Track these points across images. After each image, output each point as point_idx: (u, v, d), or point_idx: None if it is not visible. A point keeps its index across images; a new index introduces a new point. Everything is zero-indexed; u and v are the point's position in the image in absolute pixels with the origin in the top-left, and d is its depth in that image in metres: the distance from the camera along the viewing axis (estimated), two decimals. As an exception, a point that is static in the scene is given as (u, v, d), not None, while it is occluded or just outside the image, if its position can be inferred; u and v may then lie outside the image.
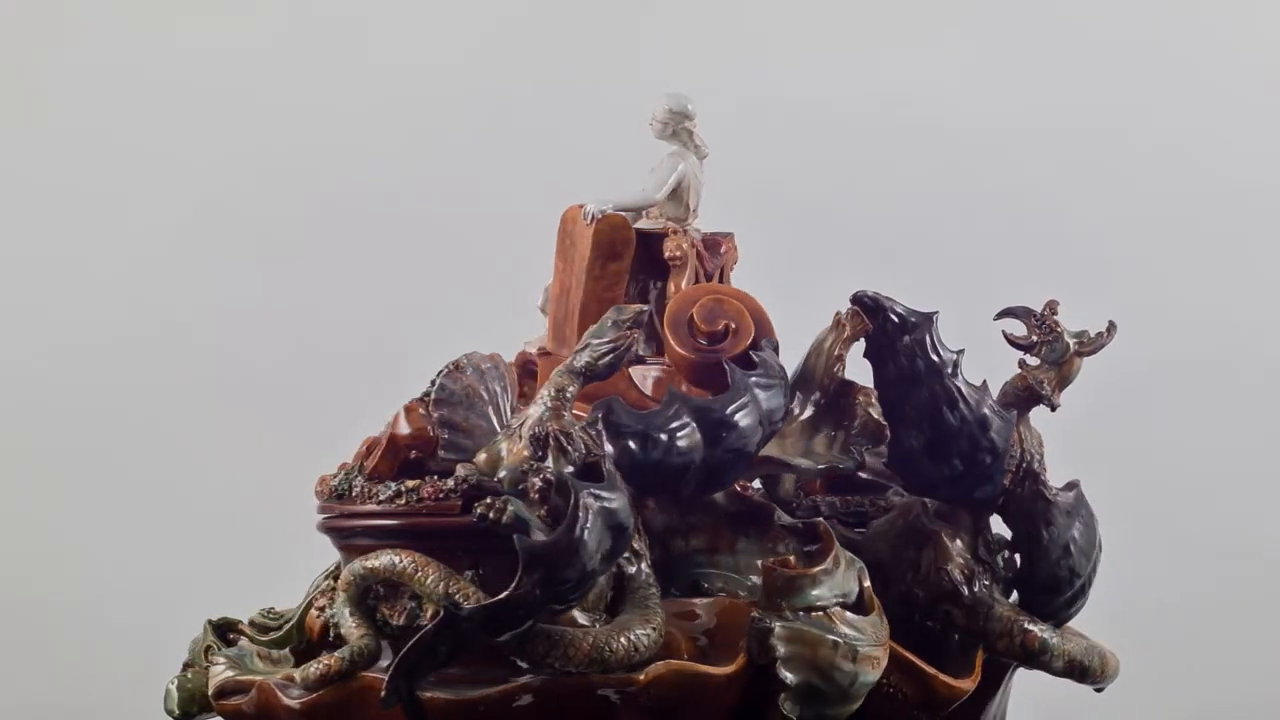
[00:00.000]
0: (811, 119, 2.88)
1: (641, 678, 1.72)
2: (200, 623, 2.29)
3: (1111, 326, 1.95)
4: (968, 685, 1.83)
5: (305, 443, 2.79)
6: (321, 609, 1.83)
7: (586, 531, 1.67)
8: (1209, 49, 2.91)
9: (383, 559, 1.73)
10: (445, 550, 1.75)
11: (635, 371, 1.94)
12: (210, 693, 1.78)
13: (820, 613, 1.77)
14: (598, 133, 2.73)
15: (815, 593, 1.77)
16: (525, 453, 1.73)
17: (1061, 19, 2.93)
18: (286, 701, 1.70)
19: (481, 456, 1.77)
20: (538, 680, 1.70)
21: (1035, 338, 1.92)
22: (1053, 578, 1.90)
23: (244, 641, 1.86)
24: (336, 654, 1.71)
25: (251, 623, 1.90)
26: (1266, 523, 2.81)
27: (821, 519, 1.86)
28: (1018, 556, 1.94)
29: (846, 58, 2.90)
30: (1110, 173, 2.89)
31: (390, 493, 1.77)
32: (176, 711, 1.82)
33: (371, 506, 1.78)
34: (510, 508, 1.72)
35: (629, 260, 1.95)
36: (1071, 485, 1.93)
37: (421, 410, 1.82)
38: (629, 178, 1.99)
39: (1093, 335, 1.94)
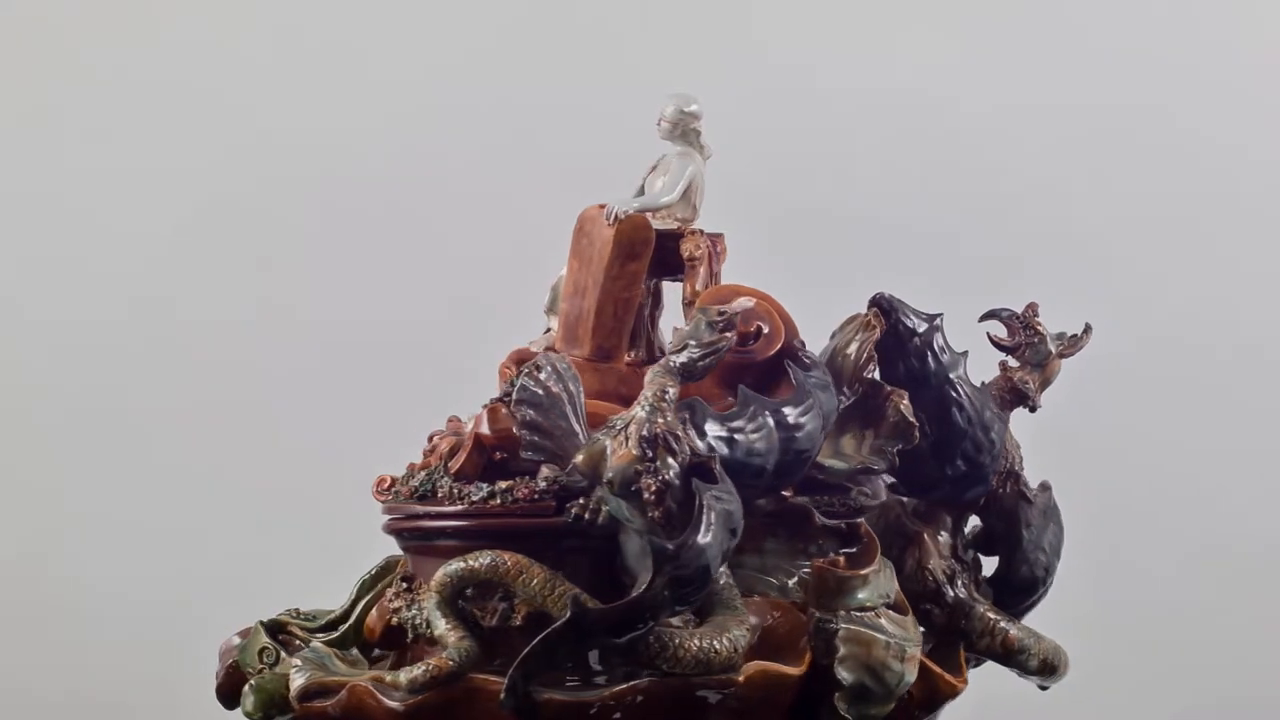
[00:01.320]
0: (811, 119, 2.89)
1: (740, 679, 1.73)
2: (195, 623, 2.30)
3: (1088, 328, 1.98)
4: (963, 684, 1.85)
5: (305, 442, 2.87)
6: (396, 610, 1.79)
7: (711, 532, 1.67)
8: (1210, 49, 2.93)
9: (483, 559, 1.71)
10: (534, 552, 1.73)
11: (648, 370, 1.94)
12: (293, 695, 1.73)
13: (870, 613, 1.80)
14: (596, 133, 2.74)
15: (863, 594, 1.81)
16: (634, 454, 1.71)
17: (1064, 18, 2.95)
18: (388, 704, 1.67)
19: (580, 457, 1.75)
20: (645, 681, 1.70)
21: (1019, 340, 1.95)
22: (1030, 578, 1.95)
23: (316, 643, 1.82)
24: (443, 655, 1.68)
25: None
26: (1256, 522, 2.84)
27: (862, 520, 1.88)
28: (980, 555, 1.97)
29: (845, 58, 2.90)
30: (1110, 172, 2.91)
31: (484, 494, 1.76)
32: (257, 715, 1.78)
33: (460, 506, 1.76)
34: (604, 508, 1.72)
35: (647, 260, 1.96)
36: (1045, 487, 1.97)
37: (504, 410, 1.79)
38: (627, 178, 1.99)
39: (1071, 337, 1.97)
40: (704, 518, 1.67)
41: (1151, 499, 2.79)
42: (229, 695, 1.85)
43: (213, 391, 2.90)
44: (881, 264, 2.64)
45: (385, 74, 2.94)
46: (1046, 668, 1.94)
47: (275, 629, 1.86)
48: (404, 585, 1.81)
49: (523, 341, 2.02)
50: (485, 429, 1.80)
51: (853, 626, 1.77)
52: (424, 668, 1.67)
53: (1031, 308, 1.96)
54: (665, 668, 1.70)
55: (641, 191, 1.99)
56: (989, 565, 1.96)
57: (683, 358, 1.78)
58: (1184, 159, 2.88)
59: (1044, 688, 1.97)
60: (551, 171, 2.81)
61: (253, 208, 2.92)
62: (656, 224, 1.97)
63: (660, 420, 1.73)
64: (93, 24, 2.94)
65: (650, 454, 1.71)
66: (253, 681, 1.79)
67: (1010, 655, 1.92)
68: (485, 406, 1.83)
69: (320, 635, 1.86)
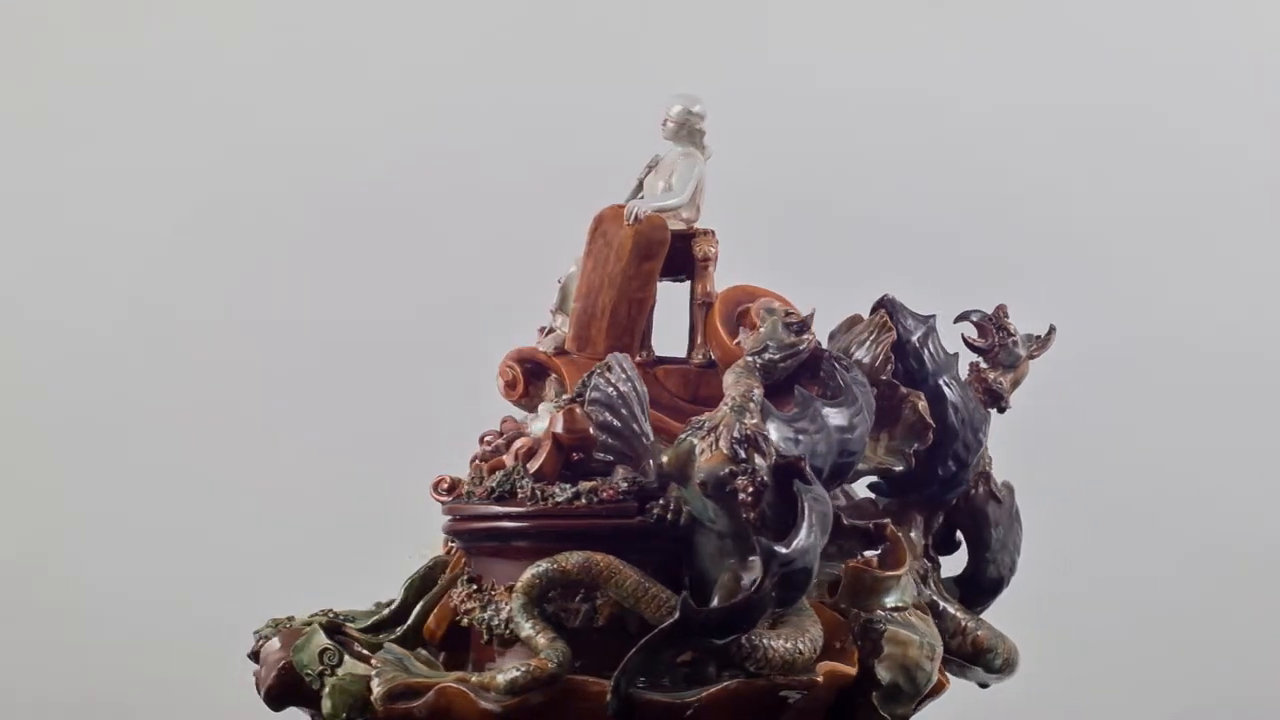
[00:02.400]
0: (810, 119, 2.88)
1: (820, 679, 1.74)
2: (195, 622, 2.27)
3: (1052, 330, 2.00)
4: (947, 682, 1.87)
5: (305, 442, 2.85)
6: (468, 611, 1.78)
7: (814, 533, 1.69)
8: (1210, 49, 2.92)
9: (575, 560, 1.70)
10: (611, 553, 1.72)
11: (661, 371, 1.96)
12: (377, 697, 1.70)
13: (902, 613, 1.83)
14: (596, 133, 2.74)
15: (895, 595, 1.83)
16: (725, 454, 1.72)
17: (1064, 18, 2.94)
18: (484, 705, 1.66)
19: (667, 456, 1.75)
20: (735, 682, 1.70)
21: (992, 341, 1.96)
22: (996, 579, 1.97)
23: (390, 644, 1.80)
24: (541, 657, 1.67)
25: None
26: (1256, 522, 2.84)
27: (888, 522, 1.88)
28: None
29: (844, 58, 2.90)
30: (1110, 172, 2.91)
31: (569, 494, 1.75)
32: (339, 716, 1.75)
33: (543, 507, 1.75)
34: (684, 508, 1.73)
35: (661, 261, 1.97)
36: (1009, 488, 1.98)
37: (579, 411, 1.79)
38: (626, 178, 2.00)
39: (1038, 338, 1.99)
40: (807, 518, 1.68)
41: (1151, 499, 2.79)
42: (280, 696, 1.82)
43: (212, 392, 2.88)
44: (881, 264, 2.64)
45: (385, 74, 2.92)
46: (1008, 666, 1.96)
47: (331, 630, 1.83)
48: (473, 587, 1.79)
49: (523, 341, 2.02)
50: (563, 429, 1.79)
51: (895, 627, 1.79)
52: (524, 669, 1.66)
53: (1001, 309, 1.97)
54: (752, 669, 1.71)
55: (638, 190, 2.00)
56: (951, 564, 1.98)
57: (764, 359, 1.79)
58: (1184, 159, 2.88)
59: (986, 685, 1.98)
60: (551, 171, 2.80)
61: (253, 208, 2.90)
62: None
63: (750, 421, 1.73)
64: (93, 24, 2.92)
65: (742, 455, 1.71)
66: (332, 683, 1.76)
67: (979, 655, 1.93)
68: (560, 407, 1.81)
69: (374, 636, 1.84)
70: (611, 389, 1.81)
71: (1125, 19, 2.90)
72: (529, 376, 1.99)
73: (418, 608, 1.85)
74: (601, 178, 2.04)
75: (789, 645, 1.73)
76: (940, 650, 1.83)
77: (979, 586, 1.96)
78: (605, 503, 1.75)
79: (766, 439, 1.74)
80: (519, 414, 1.99)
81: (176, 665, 2.67)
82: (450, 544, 1.90)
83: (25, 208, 2.90)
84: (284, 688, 1.81)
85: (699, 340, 2.01)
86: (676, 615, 1.66)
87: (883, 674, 1.79)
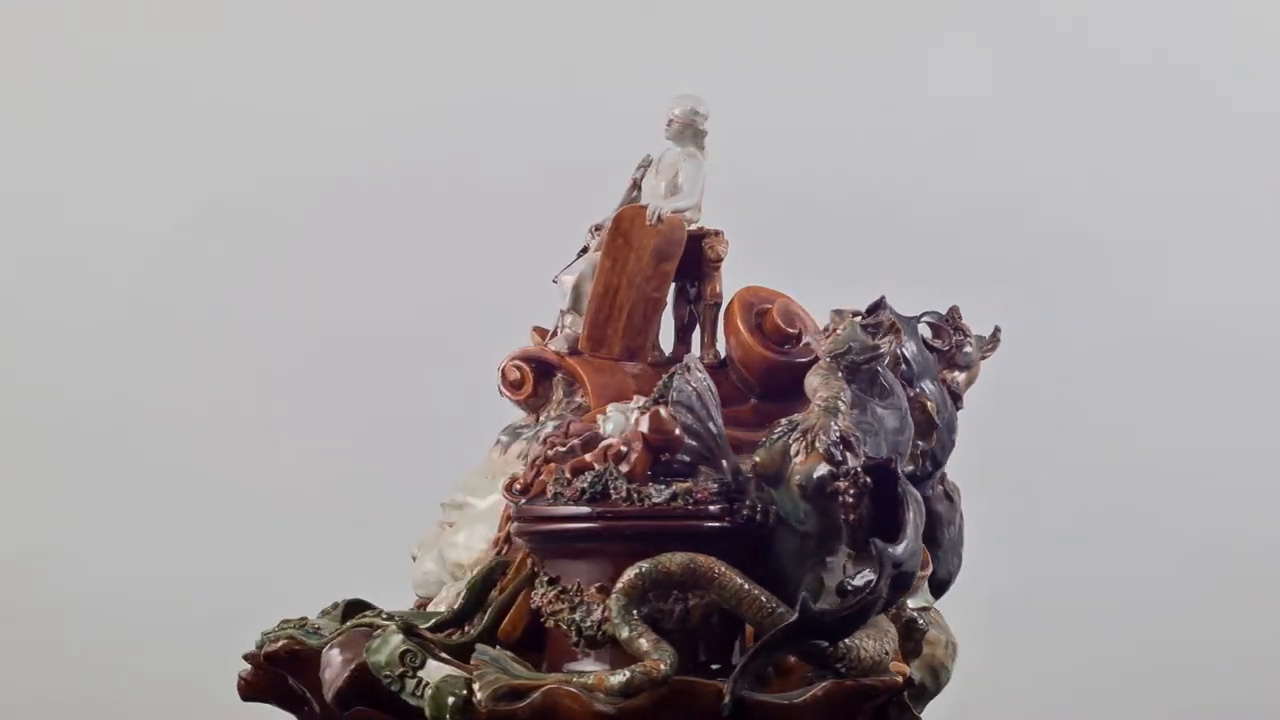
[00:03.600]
0: (810, 118, 2.89)
1: (900, 679, 1.76)
2: (195, 622, 2.24)
3: (998, 330, 2.02)
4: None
5: (305, 443, 2.84)
6: (556, 613, 1.76)
7: (919, 535, 1.70)
8: (1210, 49, 2.94)
9: (678, 560, 1.69)
10: (703, 553, 1.71)
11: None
12: (483, 698, 1.68)
13: (926, 614, 1.86)
14: (595, 134, 2.73)
15: (921, 595, 1.86)
16: (822, 456, 1.72)
17: (1064, 18, 2.96)
18: (596, 707, 1.64)
19: (758, 457, 1.75)
20: (831, 683, 1.71)
21: (949, 343, 1.98)
22: (947, 577, 1.98)
23: (483, 645, 1.77)
24: (653, 658, 1.65)
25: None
26: (1256, 522, 2.85)
27: None
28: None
29: (845, 58, 2.92)
30: (1111, 172, 2.92)
31: (666, 495, 1.74)
32: (444, 717, 1.72)
33: (634, 508, 1.74)
34: (772, 509, 1.74)
35: (677, 261, 1.98)
36: (956, 488, 2.00)
37: (664, 412, 1.78)
38: (622, 178, 2.01)
39: (988, 339, 2.02)
40: (912, 520, 1.69)
41: (1151, 499, 2.81)
42: (349, 698, 1.77)
43: (212, 391, 2.87)
44: (881, 264, 2.67)
45: (385, 74, 2.92)
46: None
47: (406, 631, 1.79)
48: (555, 588, 1.77)
49: (518, 342, 2.03)
50: (652, 430, 1.78)
51: (932, 628, 1.83)
52: (639, 671, 1.65)
53: (955, 311, 1.99)
54: (843, 669, 1.71)
55: (633, 190, 2.01)
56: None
57: (847, 360, 1.79)
58: (1184, 159, 2.89)
59: None
60: (550, 172, 2.81)
61: (253, 208, 2.88)
62: (677, 226, 1.99)
63: (842, 423, 1.74)
64: (93, 24, 2.91)
65: (839, 457, 1.71)
66: (433, 685, 1.72)
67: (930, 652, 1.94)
68: (645, 409, 1.80)
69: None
70: (691, 390, 1.81)
71: (1125, 19, 2.93)
72: (538, 376, 2.00)
73: (490, 608, 1.82)
74: (599, 178, 2.06)
75: (877, 647, 1.74)
76: (957, 650, 1.85)
77: (931, 584, 1.95)
78: (700, 503, 1.74)
79: (859, 440, 1.74)
80: (516, 413, 2.03)
81: (176, 665, 2.66)
82: (501, 543, 1.89)
83: (25, 208, 2.88)
84: (356, 689, 1.77)
85: (707, 340, 2.03)
86: (795, 616, 1.66)
87: (914, 673, 1.81)
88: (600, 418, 1.87)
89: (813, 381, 1.79)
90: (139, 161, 2.89)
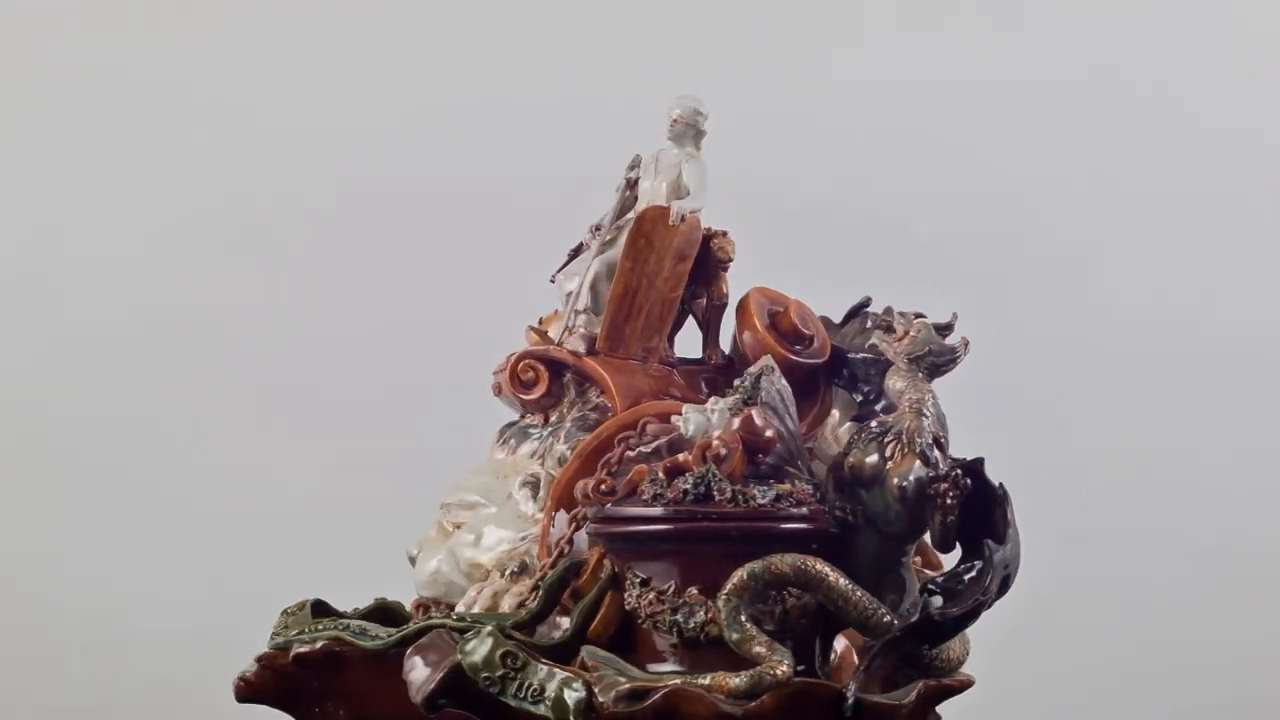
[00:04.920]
0: (810, 118, 2.88)
1: (973, 679, 1.82)
2: (194, 623, 2.20)
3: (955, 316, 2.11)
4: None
5: (304, 442, 2.80)
6: (655, 614, 1.74)
7: (1019, 534, 1.75)
8: (1211, 48, 2.92)
9: (788, 561, 1.70)
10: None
11: (683, 372, 2.00)
12: (606, 700, 1.67)
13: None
14: (595, 134, 2.69)
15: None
16: (917, 458, 1.75)
17: (1064, 18, 2.94)
18: (724, 709, 1.64)
19: (853, 459, 1.78)
20: (926, 683, 1.75)
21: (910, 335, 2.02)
22: None
23: (592, 647, 1.75)
24: (774, 659, 1.67)
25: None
26: (1256, 522, 2.85)
27: None
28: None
29: (843, 57, 2.90)
30: (1110, 172, 2.91)
31: (771, 496, 1.75)
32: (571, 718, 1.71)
33: (740, 509, 1.74)
34: (860, 509, 1.77)
35: (692, 261, 2.00)
36: None
37: (757, 414, 1.79)
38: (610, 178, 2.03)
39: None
40: (1013, 521, 1.74)
41: (1151, 499, 2.81)
42: (443, 696, 1.74)
43: (212, 392, 2.83)
44: (882, 264, 2.67)
45: (385, 78, 2.89)
46: None
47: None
48: (649, 589, 1.76)
49: (517, 342, 2.02)
50: (748, 431, 1.79)
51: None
52: (764, 672, 1.66)
53: (888, 310, 2.04)
54: (937, 668, 1.77)
55: (628, 190, 2.02)
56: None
57: (927, 362, 1.83)
58: (1184, 159, 2.89)
59: None
60: (550, 172, 2.78)
61: (252, 211, 2.85)
62: (681, 226, 2.01)
63: (932, 424, 1.78)
64: (92, 24, 2.85)
65: (934, 458, 1.76)
66: (553, 687, 1.70)
67: None
68: (734, 410, 1.81)
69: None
70: (775, 391, 1.83)
71: (1126, 20, 2.92)
72: (552, 376, 1.99)
73: (577, 610, 1.80)
74: (592, 178, 2.07)
75: (961, 648, 1.80)
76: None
77: None
78: (800, 504, 1.75)
79: (947, 442, 1.78)
80: (506, 414, 2.02)
81: (176, 665, 2.63)
82: (564, 544, 1.86)
83: (25, 208, 2.83)
84: (451, 691, 1.74)
85: (711, 341, 2.05)
86: (917, 617, 1.70)
87: None
88: (678, 418, 1.86)
89: (897, 384, 1.82)
90: (138, 162, 2.85)
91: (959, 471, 1.74)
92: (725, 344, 2.07)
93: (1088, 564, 2.66)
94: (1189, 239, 2.88)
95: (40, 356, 2.82)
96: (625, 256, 1.97)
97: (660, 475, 1.77)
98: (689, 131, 2.02)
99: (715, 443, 1.78)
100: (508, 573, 1.92)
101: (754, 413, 1.80)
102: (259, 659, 1.90)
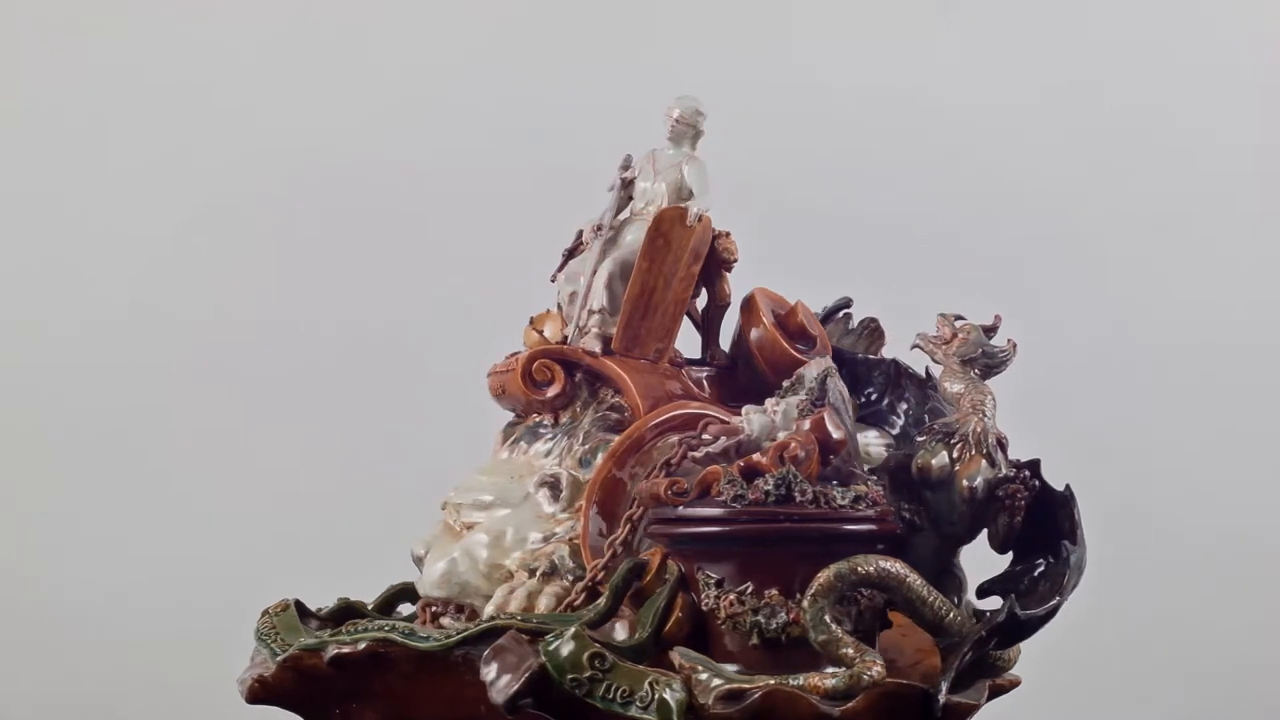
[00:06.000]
0: (810, 118, 2.88)
1: (1018, 678, 1.88)
2: (195, 623, 2.36)
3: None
4: None
5: (304, 441, 2.78)
6: (736, 615, 1.74)
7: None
8: (1210, 48, 2.94)
9: (872, 562, 1.72)
10: (848, 554, 1.74)
11: (690, 372, 2.01)
12: (707, 701, 1.67)
13: None
14: (590, 135, 2.66)
15: None
16: (983, 459, 1.79)
17: (1065, 18, 2.95)
18: (823, 709, 1.65)
19: (920, 462, 1.82)
20: (990, 682, 1.79)
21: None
22: None
23: (684, 649, 1.74)
24: (867, 659, 1.68)
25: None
26: (1256, 522, 2.86)
27: None
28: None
29: (842, 57, 2.90)
30: (1111, 171, 2.93)
31: (851, 497, 1.75)
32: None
33: (822, 510, 1.74)
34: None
35: (702, 262, 2.01)
36: None
37: (828, 415, 1.80)
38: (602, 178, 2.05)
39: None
40: (1080, 522, 1.78)
41: (1151, 499, 2.82)
42: (526, 697, 1.72)
43: (211, 392, 2.79)
44: (882, 264, 2.68)
45: (385, 78, 2.87)
46: None
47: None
48: (734, 591, 1.75)
49: (515, 340, 2.03)
50: (823, 433, 1.79)
51: None
52: (860, 673, 1.67)
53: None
54: (999, 666, 1.81)
55: (624, 190, 2.04)
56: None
57: (981, 364, 1.87)
58: (1184, 159, 2.91)
59: None
60: (549, 172, 2.76)
61: (252, 209, 2.82)
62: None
63: (994, 425, 1.82)
64: (92, 24, 2.81)
65: (998, 459, 1.80)
66: (647, 689, 1.69)
67: None
68: (805, 412, 1.82)
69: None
70: (839, 394, 1.85)
71: (1126, 20, 2.93)
72: (567, 376, 1.99)
73: (650, 611, 1.78)
74: (584, 178, 2.07)
75: (1016, 648, 1.84)
76: None
77: None
78: (875, 505, 1.76)
79: (1008, 442, 1.83)
80: (501, 414, 2.02)
81: (176, 665, 2.60)
82: (618, 545, 1.86)
83: (24, 210, 2.79)
84: (536, 692, 1.72)
85: (713, 342, 2.06)
86: (1003, 617, 1.71)
87: None
88: (738, 419, 1.86)
89: (954, 386, 1.85)
90: (137, 163, 2.82)
91: (1027, 473, 1.78)
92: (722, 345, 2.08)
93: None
94: (1190, 236, 2.90)
95: (39, 359, 2.79)
96: (643, 256, 1.97)
97: (737, 477, 1.76)
98: (689, 132, 2.03)
99: (793, 444, 1.78)
100: (540, 573, 1.89)
101: (825, 415, 1.80)
102: (284, 661, 1.86)
